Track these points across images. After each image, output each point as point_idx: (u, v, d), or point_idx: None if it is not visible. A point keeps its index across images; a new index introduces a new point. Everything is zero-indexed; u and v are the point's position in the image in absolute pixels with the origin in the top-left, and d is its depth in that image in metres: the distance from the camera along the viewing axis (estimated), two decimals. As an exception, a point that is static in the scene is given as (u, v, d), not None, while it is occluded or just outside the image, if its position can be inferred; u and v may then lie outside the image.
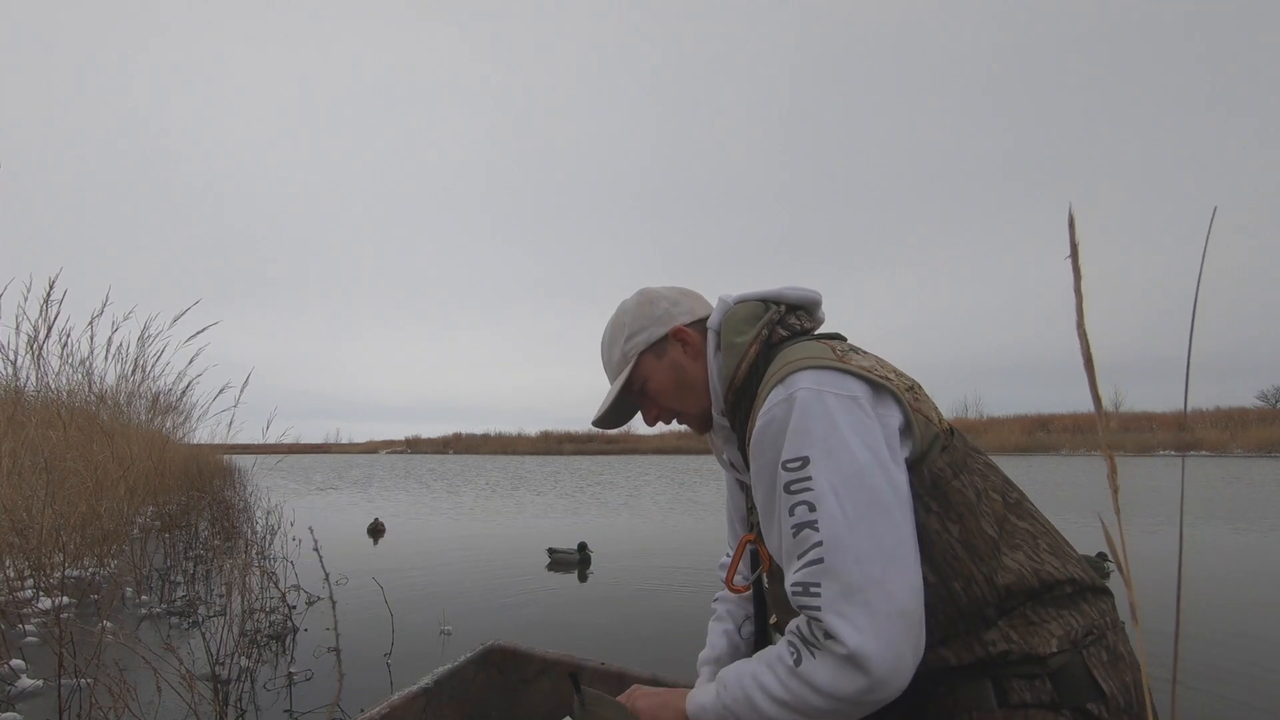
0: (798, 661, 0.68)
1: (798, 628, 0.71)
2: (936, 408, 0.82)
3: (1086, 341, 0.44)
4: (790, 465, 0.71)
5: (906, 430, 0.75)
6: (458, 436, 67.97)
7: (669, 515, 8.76)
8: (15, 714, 2.21)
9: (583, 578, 4.83)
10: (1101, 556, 4.97)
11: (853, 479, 0.68)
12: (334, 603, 3.04)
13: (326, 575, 2.84)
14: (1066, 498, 10.37)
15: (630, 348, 0.95)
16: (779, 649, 0.73)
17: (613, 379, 0.99)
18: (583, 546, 5.36)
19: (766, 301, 0.91)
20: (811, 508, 0.69)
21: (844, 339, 0.90)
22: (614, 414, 1.01)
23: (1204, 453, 31.91)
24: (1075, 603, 0.74)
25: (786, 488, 0.71)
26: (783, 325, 0.89)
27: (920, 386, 0.83)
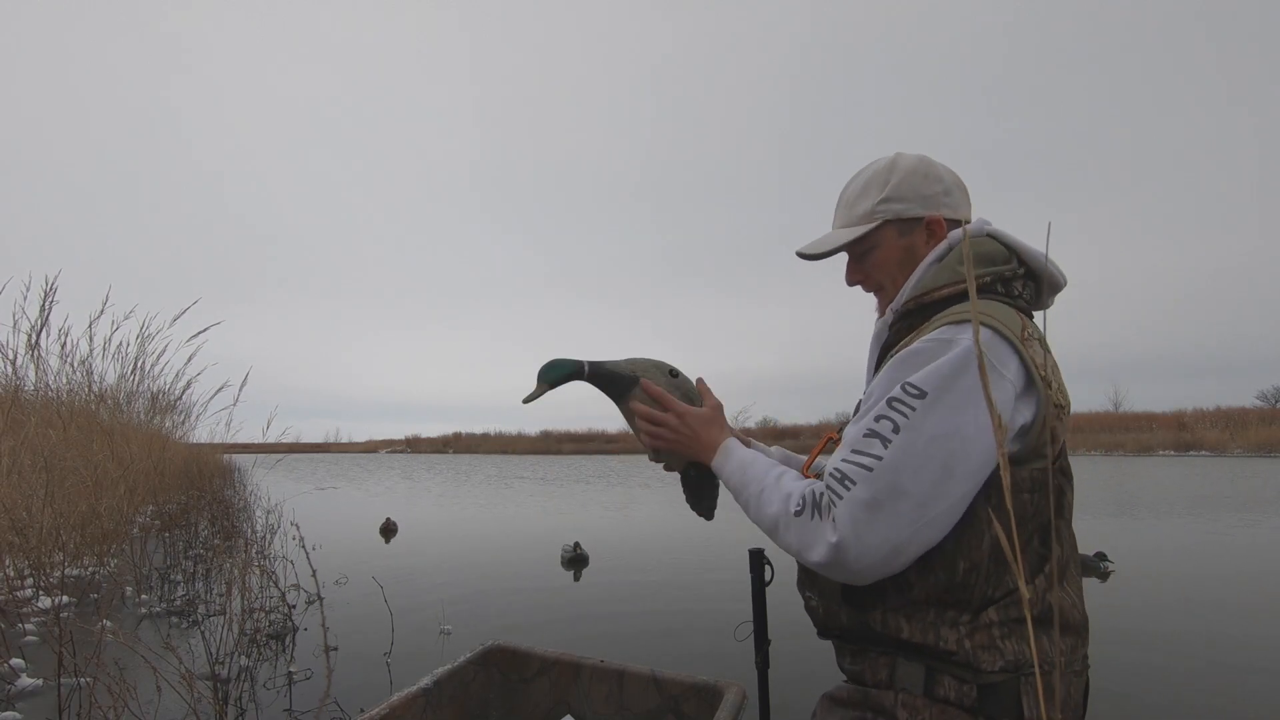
0: (798, 513, 0.76)
1: (816, 494, 0.76)
2: (1064, 437, 0.79)
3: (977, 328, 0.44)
4: (909, 389, 0.72)
5: (1022, 435, 0.74)
6: (457, 436, 67.92)
7: (667, 514, 8.76)
8: (15, 713, 2.21)
9: (578, 577, 4.84)
10: (1099, 556, 4.97)
11: (948, 440, 0.70)
12: (322, 600, 3.04)
13: (314, 573, 2.85)
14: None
15: (882, 209, 0.89)
16: (797, 489, 0.79)
17: (845, 224, 0.94)
18: (577, 546, 5.43)
19: (1013, 253, 0.85)
20: (896, 429, 0.71)
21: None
22: (824, 254, 0.96)
23: (1204, 452, 31.88)
24: (1038, 635, 0.74)
25: (890, 401, 0.73)
26: (1004, 284, 0.83)
27: (1068, 410, 0.80)
